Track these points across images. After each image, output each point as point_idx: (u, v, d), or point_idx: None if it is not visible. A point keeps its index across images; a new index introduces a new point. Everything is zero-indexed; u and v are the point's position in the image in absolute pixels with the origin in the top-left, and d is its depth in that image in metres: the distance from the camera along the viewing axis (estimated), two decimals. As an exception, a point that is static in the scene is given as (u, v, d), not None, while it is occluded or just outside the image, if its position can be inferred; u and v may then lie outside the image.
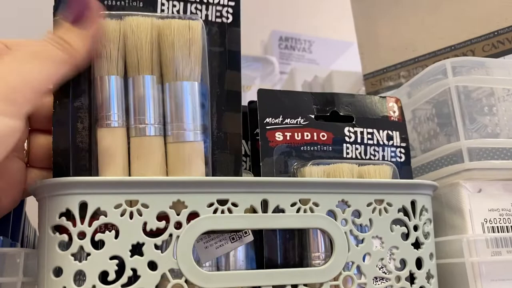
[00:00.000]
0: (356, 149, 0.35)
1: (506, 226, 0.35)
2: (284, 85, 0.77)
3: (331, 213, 0.31)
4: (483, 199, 0.35)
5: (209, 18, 0.31)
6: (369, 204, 0.31)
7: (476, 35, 0.43)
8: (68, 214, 0.26)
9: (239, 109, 0.31)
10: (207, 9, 0.31)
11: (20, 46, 0.27)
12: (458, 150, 0.35)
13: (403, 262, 0.31)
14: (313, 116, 0.35)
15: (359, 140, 0.35)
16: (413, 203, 0.32)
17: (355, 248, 0.30)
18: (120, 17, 0.29)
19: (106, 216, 0.27)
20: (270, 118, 0.34)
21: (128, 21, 0.29)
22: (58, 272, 0.26)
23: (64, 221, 0.26)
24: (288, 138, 0.34)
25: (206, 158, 0.30)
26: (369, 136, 0.36)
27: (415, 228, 0.32)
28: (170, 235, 0.27)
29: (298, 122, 0.34)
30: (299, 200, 0.30)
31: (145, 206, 0.27)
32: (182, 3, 0.31)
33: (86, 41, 0.28)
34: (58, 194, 0.27)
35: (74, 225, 0.26)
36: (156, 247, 0.27)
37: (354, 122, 0.36)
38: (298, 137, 0.34)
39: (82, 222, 0.26)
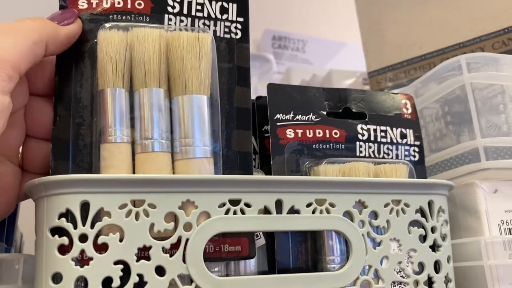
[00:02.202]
0: (369, 147, 0.34)
1: (523, 228, 0.34)
2: (280, 84, 0.76)
3: (347, 214, 0.29)
4: (499, 199, 0.34)
5: (218, 34, 0.31)
6: (386, 205, 0.30)
7: (485, 32, 0.42)
8: (68, 215, 0.24)
9: (249, 127, 0.30)
10: (215, 25, 0.30)
11: None
12: (474, 149, 0.34)
13: (422, 266, 0.30)
14: (324, 113, 0.33)
15: (372, 138, 0.34)
16: (430, 204, 0.31)
17: (373, 251, 0.29)
18: (127, 28, 0.28)
19: (110, 217, 0.24)
20: (281, 114, 0.32)
21: (135, 32, 0.28)
22: (57, 278, 0.24)
23: (64, 223, 0.24)
24: (299, 135, 0.32)
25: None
26: (383, 134, 0.34)
27: (433, 229, 0.31)
28: (179, 237, 0.25)
29: (310, 119, 0.33)
30: (315, 201, 0.28)
31: (152, 206, 0.25)
32: (190, 19, 0.30)
33: (60, 31, 0.27)
34: (58, 193, 0.24)
35: (75, 227, 0.24)
36: (164, 250, 0.25)
37: (367, 119, 0.34)
38: (310, 134, 0.32)
39: (83, 224, 0.24)
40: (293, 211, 0.28)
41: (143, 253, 0.25)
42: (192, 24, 0.30)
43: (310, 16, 1.01)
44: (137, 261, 0.25)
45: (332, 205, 0.28)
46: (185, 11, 0.30)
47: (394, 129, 0.34)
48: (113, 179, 0.25)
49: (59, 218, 0.24)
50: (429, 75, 0.40)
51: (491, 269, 0.32)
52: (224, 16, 0.31)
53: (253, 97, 0.33)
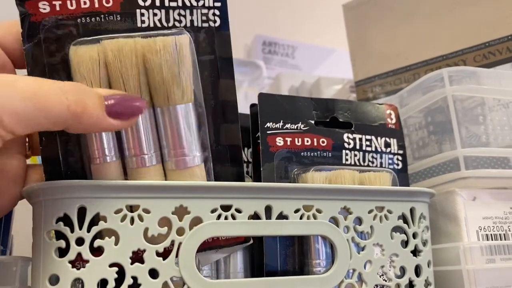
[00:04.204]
0: (355, 155, 0.35)
1: (499, 234, 0.35)
2: (270, 90, 0.77)
3: (333, 220, 0.30)
4: (478, 207, 0.36)
5: (195, 24, 0.28)
6: (370, 211, 0.31)
7: (468, 46, 0.44)
8: (65, 219, 0.25)
9: (237, 119, 0.29)
10: (191, 14, 0.28)
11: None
12: (455, 158, 0.36)
13: (403, 270, 0.31)
14: (313, 122, 0.35)
15: (357, 147, 0.35)
16: (412, 211, 0.32)
17: (357, 255, 0.30)
18: (98, 41, 0.26)
19: (105, 221, 0.25)
20: (271, 123, 0.33)
21: (107, 46, 0.26)
22: (54, 280, 0.25)
23: (61, 226, 0.25)
24: (288, 143, 0.33)
25: (208, 175, 0.29)
26: (368, 143, 0.36)
27: (414, 235, 0.32)
28: (172, 241, 0.26)
29: (299, 128, 0.34)
30: (303, 207, 0.29)
31: (147, 211, 0.26)
32: (163, 11, 0.28)
33: (101, 125, 0.24)
34: (56, 198, 0.25)
35: (72, 230, 0.25)
36: (158, 254, 0.26)
37: (353, 129, 0.35)
38: (298, 142, 0.34)
39: (80, 228, 0.25)
40: (281, 216, 0.29)
41: (138, 256, 0.26)
42: (167, 16, 0.28)
43: (300, 22, 1.03)
44: (132, 264, 0.26)
45: (319, 211, 0.30)
46: (157, 3, 0.28)
47: (379, 138, 0.36)
48: (109, 185, 0.26)
49: (56, 222, 0.25)
50: (414, 85, 0.41)
51: (468, 273, 0.33)
52: (200, 3, 0.28)
53: (243, 104, 0.34)
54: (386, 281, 0.31)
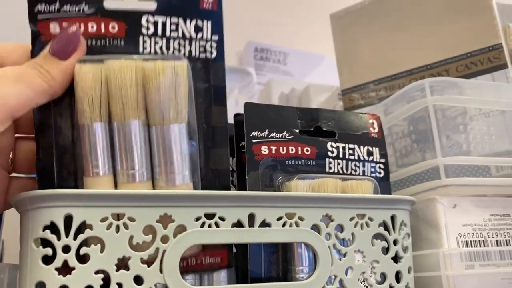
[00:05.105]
0: (338, 164, 0.36)
1: (479, 241, 0.36)
2: (260, 97, 0.78)
3: (315, 227, 0.31)
4: (458, 214, 0.36)
5: (193, 54, 0.30)
6: (351, 219, 0.32)
7: (450, 56, 0.45)
8: (52, 227, 0.26)
9: (227, 145, 0.31)
10: (190, 45, 0.30)
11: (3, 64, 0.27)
12: (435, 167, 0.37)
13: (383, 276, 0.32)
14: (297, 131, 0.35)
15: (341, 155, 0.36)
16: (392, 218, 0.33)
17: (338, 262, 0.31)
18: (101, 60, 0.28)
19: (91, 229, 0.26)
20: (256, 132, 0.34)
21: (110, 65, 0.28)
22: (41, 287, 0.25)
23: (48, 234, 0.26)
24: (273, 152, 0.34)
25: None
26: (351, 151, 0.36)
27: (395, 242, 0.33)
28: (157, 249, 0.27)
29: (284, 137, 0.35)
30: (285, 214, 0.30)
31: (132, 219, 0.27)
32: (164, 40, 0.30)
33: (66, 73, 0.27)
34: (42, 207, 0.26)
35: (59, 238, 0.26)
36: (142, 261, 0.27)
37: (336, 138, 0.36)
38: (283, 151, 0.35)
39: (67, 236, 0.26)
40: (264, 224, 0.30)
41: (123, 263, 0.27)
42: (167, 45, 0.30)
43: (291, 29, 1.04)
44: (117, 270, 0.26)
45: (301, 218, 0.31)
46: (159, 32, 0.30)
47: (362, 147, 0.37)
48: (95, 194, 0.27)
49: (43, 230, 0.26)
50: (397, 94, 0.42)
51: (448, 279, 0.34)
52: (199, 35, 0.30)
53: (234, 111, 0.35)
54: (367, 287, 0.32)
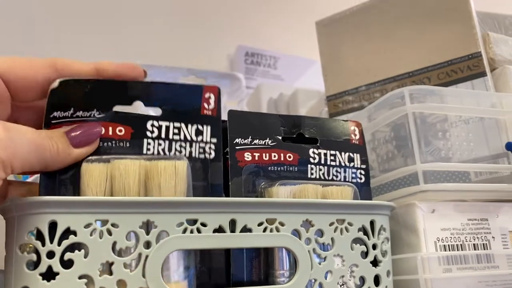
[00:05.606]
0: (320, 170, 0.37)
1: (456, 245, 0.37)
2: (250, 101, 0.79)
3: (296, 232, 0.32)
4: (436, 219, 0.37)
5: (193, 155, 0.32)
6: (331, 224, 0.33)
7: (431, 63, 0.46)
8: (37, 233, 0.27)
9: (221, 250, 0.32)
10: (191, 147, 0.32)
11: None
12: (414, 173, 0.38)
13: (362, 280, 0.33)
14: (280, 138, 0.36)
15: (322, 162, 0.37)
16: (372, 223, 0.34)
17: (318, 266, 0.32)
18: (108, 160, 0.30)
19: (76, 235, 0.27)
20: (240, 139, 0.35)
21: (116, 164, 0.29)
22: (25, 292, 0.26)
23: (33, 241, 0.26)
24: (256, 158, 0.35)
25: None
26: (332, 157, 0.37)
27: (374, 246, 0.34)
28: (140, 254, 0.28)
29: (266, 143, 0.36)
30: (266, 220, 0.31)
31: (115, 225, 0.28)
32: (167, 142, 0.32)
33: (68, 158, 0.28)
34: (28, 214, 0.27)
35: (43, 244, 0.26)
36: (125, 266, 0.28)
37: (318, 144, 0.37)
38: (266, 157, 0.35)
39: (51, 242, 0.27)
40: (245, 229, 0.30)
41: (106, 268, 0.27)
42: (170, 146, 0.32)
43: (282, 33, 1.05)
44: (100, 275, 0.27)
45: (281, 224, 0.31)
46: (163, 135, 0.32)
47: (343, 153, 0.38)
48: (79, 201, 0.27)
49: (28, 236, 0.26)
50: (380, 101, 0.43)
51: (426, 282, 0.35)
52: (199, 138, 0.33)
53: (222, 116, 0.36)
54: (346, 290, 0.33)
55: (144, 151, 0.31)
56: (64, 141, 0.28)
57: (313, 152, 0.37)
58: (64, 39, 0.89)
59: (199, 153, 0.33)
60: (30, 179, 0.44)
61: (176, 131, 0.32)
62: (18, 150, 0.26)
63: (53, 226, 0.27)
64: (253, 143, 0.35)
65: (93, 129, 0.30)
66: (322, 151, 0.37)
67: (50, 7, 0.91)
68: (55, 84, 0.30)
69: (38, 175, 0.29)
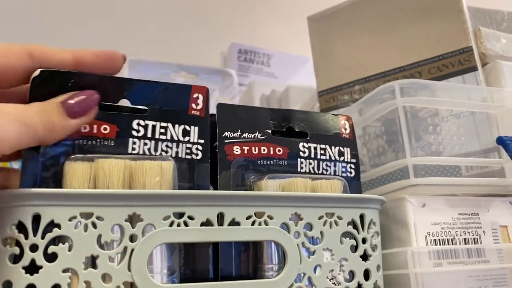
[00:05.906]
0: (310, 164, 0.36)
1: (447, 239, 0.37)
2: (242, 98, 0.78)
3: (285, 226, 0.32)
4: (427, 213, 0.37)
5: (179, 155, 0.32)
6: (320, 217, 0.33)
7: (423, 58, 0.46)
8: (20, 226, 0.26)
9: (208, 245, 0.32)
10: (177, 147, 0.32)
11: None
12: (404, 167, 0.37)
13: (352, 274, 0.33)
14: (270, 131, 0.36)
15: (312, 155, 0.37)
16: (361, 217, 0.34)
17: (307, 260, 0.32)
18: (92, 159, 0.29)
19: (60, 228, 0.26)
20: (229, 132, 0.35)
21: (100, 163, 0.29)
22: (7, 286, 0.25)
23: (16, 234, 0.26)
24: (245, 152, 0.35)
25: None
26: (322, 151, 0.37)
27: (364, 240, 0.34)
28: (125, 248, 0.27)
29: (256, 137, 0.35)
30: (254, 213, 0.31)
31: (100, 218, 0.27)
32: (153, 142, 0.31)
33: (66, 131, 0.27)
34: (11, 206, 0.26)
35: (26, 237, 0.26)
36: (111, 259, 0.27)
37: (308, 138, 0.37)
38: (255, 151, 0.35)
39: (34, 235, 0.26)
40: (234, 223, 0.30)
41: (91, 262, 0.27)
42: (156, 146, 0.31)
43: (275, 30, 1.04)
44: (85, 269, 0.27)
45: (270, 217, 0.31)
46: (149, 135, 0.31)
47: (333, 147, 0.37)
48: (64, 193, 0.27)
49: (11, 229, 0.26)
50: (370, 95, 0.43)
51: (416, 276, 0.35)
52: (186, 139, 0.32)
53: (213, 111, 0.36)
54: (335, 284, 0.32)
55: (129, 151, 0.31)
56: (59, 112, 0.27)
57: (303, 146, 0.37)
58: (54, 32, 0.88)
59: (186, 153, 0.32)
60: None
61: (162, 130, 0.32)
62: (7, 134, 0.24)
63: (36, 218, 0.26)
64: (242, 137, 0.35)
65: (91, 97, 0.28)
66: (312, 145, 0.37)
67: (41, 2, 0.91)
68: (36, 76, 0.29)
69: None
